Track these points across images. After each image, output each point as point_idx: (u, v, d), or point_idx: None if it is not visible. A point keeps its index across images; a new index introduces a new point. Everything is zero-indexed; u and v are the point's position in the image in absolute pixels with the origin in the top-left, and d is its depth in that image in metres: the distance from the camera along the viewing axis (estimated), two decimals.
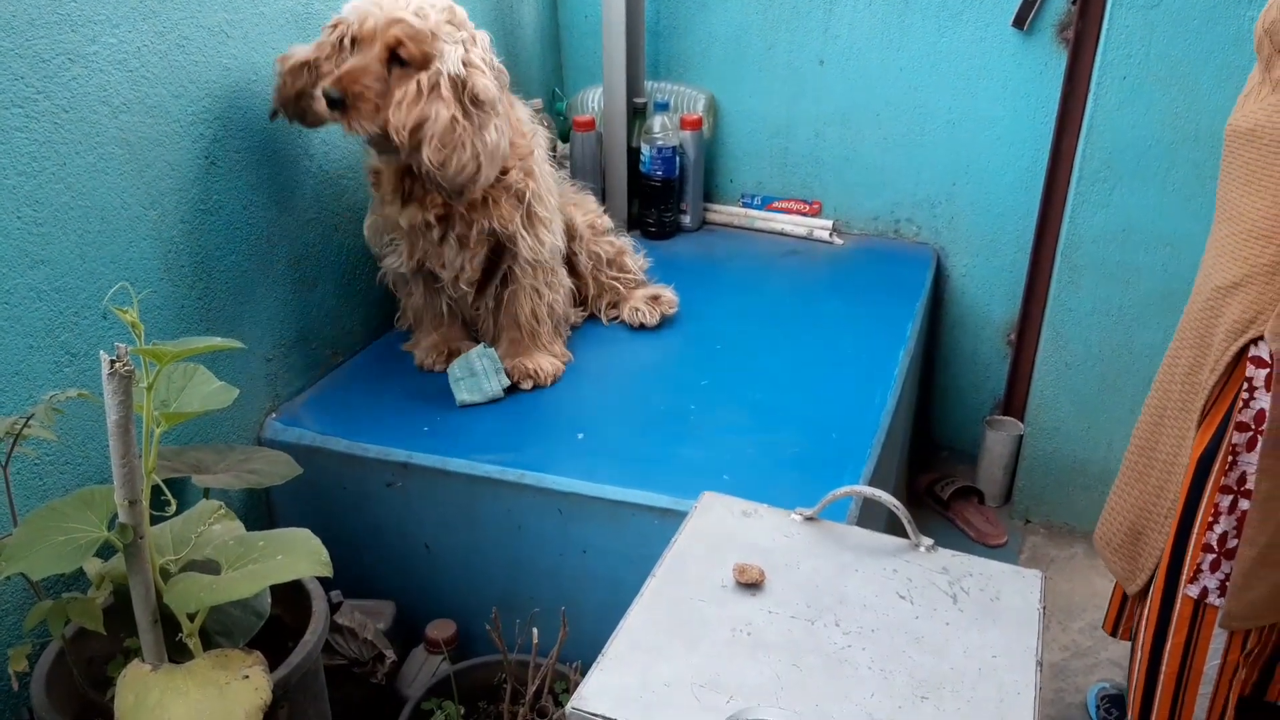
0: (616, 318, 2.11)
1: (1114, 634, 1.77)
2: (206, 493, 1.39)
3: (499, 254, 1.82)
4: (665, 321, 2.10)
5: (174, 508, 1.13)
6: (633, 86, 2.50)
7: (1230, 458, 1.45)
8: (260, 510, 1.76)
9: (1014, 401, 2.63)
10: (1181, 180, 2.14)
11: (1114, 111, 2.14)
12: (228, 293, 1.63)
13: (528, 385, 1.84)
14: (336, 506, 1.71)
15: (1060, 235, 2.33)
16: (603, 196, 2.58)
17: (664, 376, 1.92)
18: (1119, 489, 1.70)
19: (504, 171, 1.71)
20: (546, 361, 1.87)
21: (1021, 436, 2.55)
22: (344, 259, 1.92)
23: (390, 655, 1.61)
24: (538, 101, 2.50)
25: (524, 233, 1.77)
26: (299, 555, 1.12)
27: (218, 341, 1.07)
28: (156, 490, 1.12)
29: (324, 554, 1.12)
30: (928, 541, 1.34)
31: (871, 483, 1.66)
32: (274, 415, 1.75)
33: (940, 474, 2.70)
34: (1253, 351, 1.40)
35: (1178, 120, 2.11)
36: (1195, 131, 2.10)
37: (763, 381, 1.89)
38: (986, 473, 2.64)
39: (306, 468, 1.52)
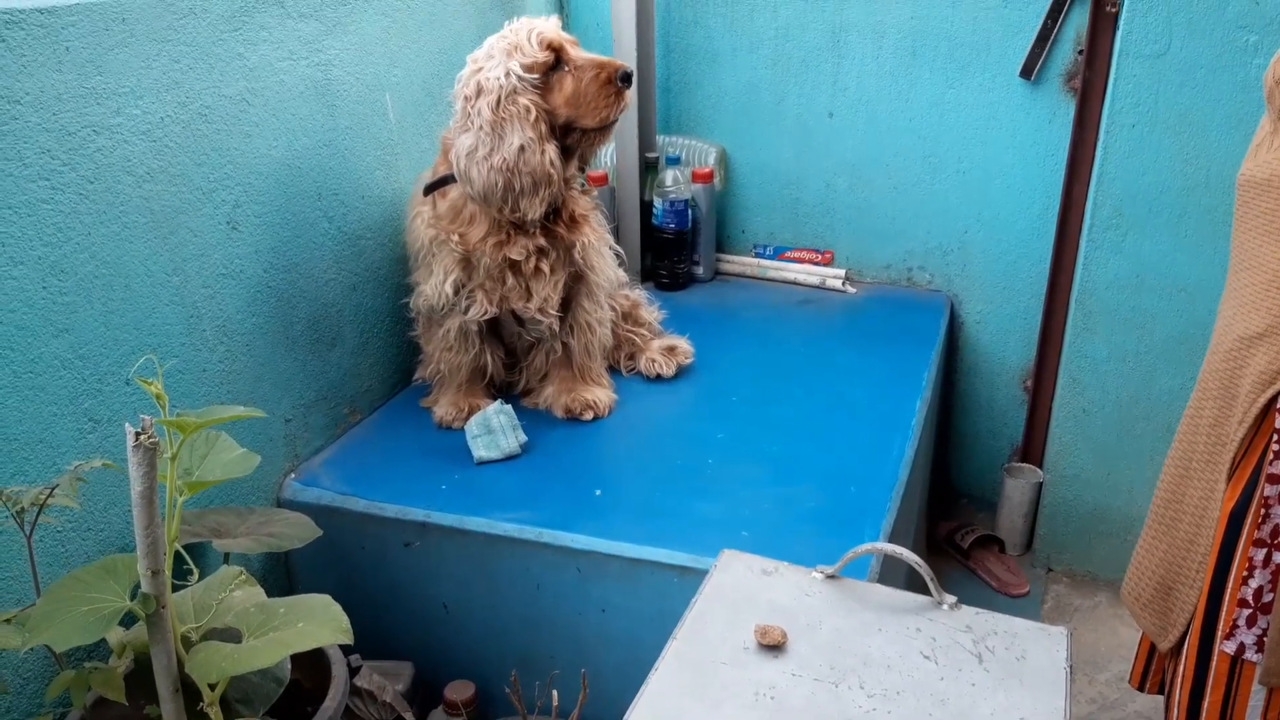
0: (634, 369, 2.12)
1: (1141, 688, 1.74)
2: (227, 557, 1.39)
3: (570, 287, 1.91)
4: (681, 372, 2.11)
5: (196, 576, 1.13)
6: (645, 142, 2.53)
7: (1263, 511, 1.43)
8: (279, 570, 1.76)
9: (1032, 448, 2.61)
10: (1194, 226, 2.15)
11: (1124, 159, 2.15)
12: (248, 355, 1.65)
13: (589, 416, 1.92)
14: (355, 566, 1.71)
15: (1074, 281, 2.33)
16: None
17: (681, 429, 1.92)
18: (1145, 543, 1.68)
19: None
20: (602, 394, 1.95)
21: (1041, 484, 2.53)
22: (362, 317, 1.94)
23: (409, 718, 1.59)
24: None
25: (598, 257, 1.89)
26: (320, 622, 1.12)
27: (240, 410, 1.08)
28: (178, 557, 1.12)
29: (344, 621, 1.12)
30: (951, 599, 1.33)
31: (892, 534, 1.65)
32: (293, 475, 1.75)
33: (960, 522, 2.68)
34: None
35: (1188, 167, 2.12)
36: (1206, 178, 2.10)
37: (779, 433, 1.88)
38: (1007, 521, 2.61)
39: (325, 528, 1.53)
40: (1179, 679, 1.58)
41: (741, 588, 1.34)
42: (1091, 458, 2.42)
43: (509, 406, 1.81)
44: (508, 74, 1.66)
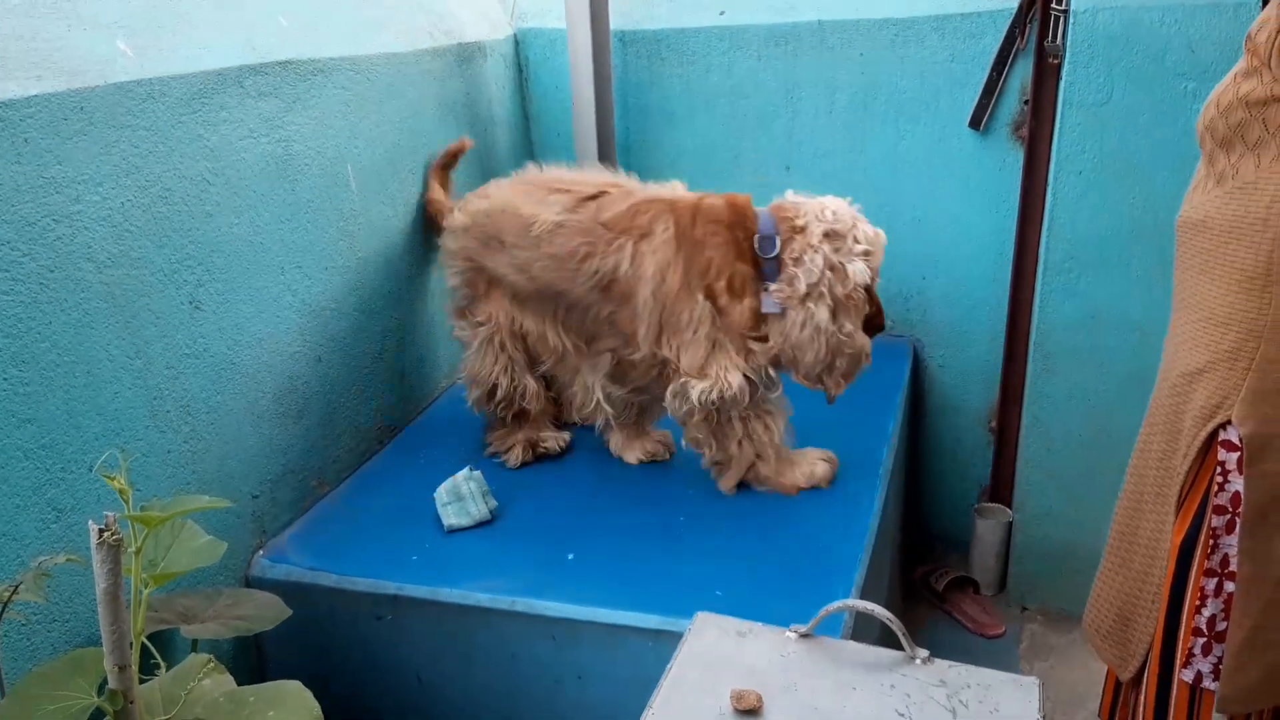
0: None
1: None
2: (195, 643, 1.37)
3: None
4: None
5: (164, 668, 1.12)
6: None
7: (1211, 541, 1.46)
8: (250, 649, 1.73)
9: (1000, 488, 2.64)
10: (1144, 267, 2.20)
11: (1073, 204, 2.21)
12: (213, 434, 1.64)
13: (667, 456, 2.05)
14: (327, 642, 1.69)
15: (1031, 323, 2.38)
16: None
17: (650, 487, 1.93)
18: (1104, 576, 1.71)
19: None
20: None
21: (1011, 523, 2.56)
22: (328, 388, 1.94)
23: None
24: None
25: None
26: (291, 710, 1.11)
27: (205, 501, 1.08)
28: (146, 648, 1.11)
29: (316, 708, 1.11)
30: (923, 653, 1.34)
31: (865, 585, 1.66)
32: (262, 553, 1.74)
33: (934, 565, 2.69)
34: (1222, 436, 1.43)
35: (1135, 211, 2.18)
36: (1154, 221, 2.16)
37: (749, 490, 1.89)
38: (979, 561, 2.63)
39: (296, 604, 1.51)
40: (1141, 709, 1.60)
41: (716, 651, 1.34)
42: (1058, 495, 2.46)
43: (479, 473, 1.81)
44: (861, 273, 1.75)
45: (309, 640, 1.69)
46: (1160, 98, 2.09)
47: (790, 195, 1.84)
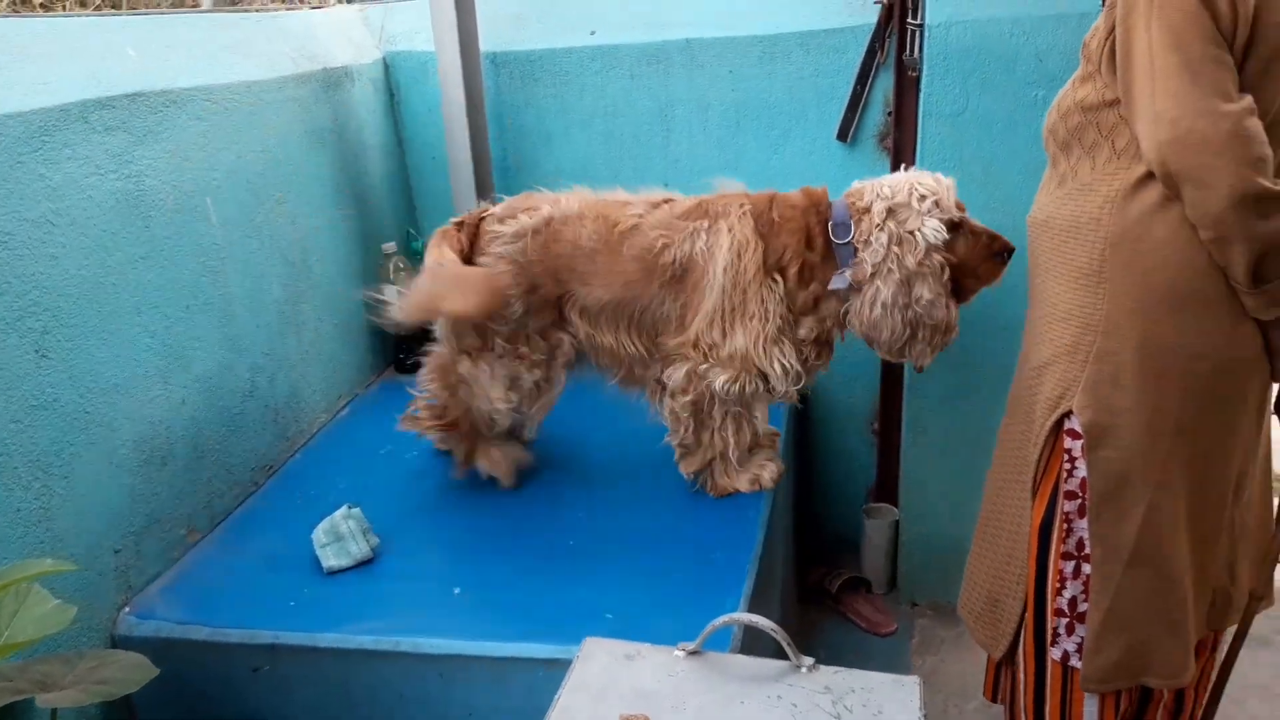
0: None
1: (993, 699, 1.82)
2: (54, 713, 1.29)
3: None
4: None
5: None
6: None
7: (1066, 526, 1.54)
8: (121, 711, 1.64)
9: (886, 488, 2.71)
10: (1008, 269, 2.29)
11: None
12: (67, 489, 1.55)
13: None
14: (202, 699, 1.61)
15: None
16: None
17: (540, 513, 1.91)
18: (973, 559, 1.77)
19: None
20: None
21: (898, 522, 2.63)
22: (194, 431, 1.85)
23: None
24: (390, 245, 2.51)
25: None
26: None
27: (46, 565, 1.02)
28: None
29: None
30: (808, 661, 1.35)
31: (756, 594, 1.67)
32: (128, 609, 1.65)
33: (827, 567, 2.74)
34: (1068, 424, 1.50)
35: (996, 214, 2.24)
36: (1013, 223, 2.22)
37: (638, 506, 1.90)
38: (870, 561, 2.69)
39: (167, 662, 1.44)
40: (1020, 687, 1.66)
41: (605, 676, 1.33)
42: (939, 492, 2.53)
43: (358, 510, 1.75)
44: (934, 231, 1.73)
45: (184, 698, 1.61)
46: (1012, 106, 2.18)
47: (857, 183, 1.85)
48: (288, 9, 2.66)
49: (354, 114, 2.45)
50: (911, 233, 1.74)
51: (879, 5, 2.29)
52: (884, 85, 2.38)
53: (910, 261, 1.73)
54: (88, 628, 1.58)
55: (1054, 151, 1.57)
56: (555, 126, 2.60)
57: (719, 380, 1.78)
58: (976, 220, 1.85)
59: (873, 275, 1.75)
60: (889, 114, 2.39)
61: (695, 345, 1.80)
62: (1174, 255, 1.37)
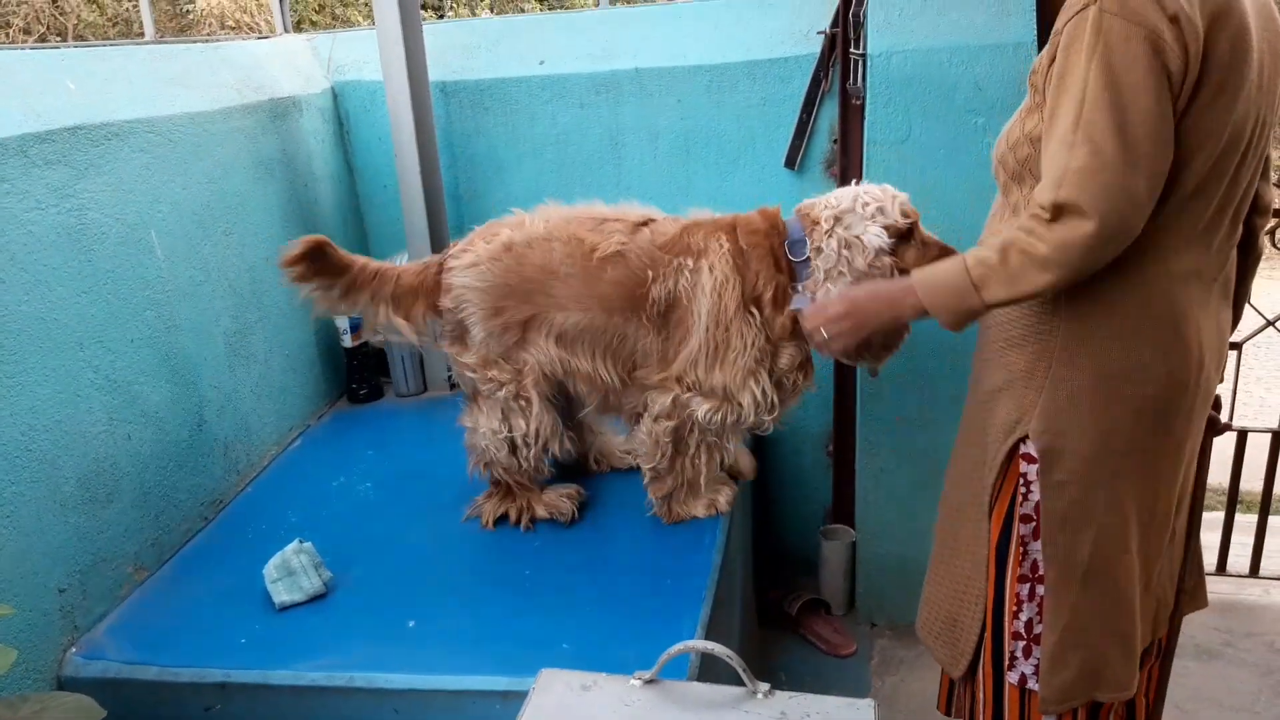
0: None
1: (947, 713, 1.83)
2: None
3: None
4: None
5: None
6: (438, 250, 2.53)
7: (1021, 549, 1.56)
8: None
9: (842, 510, 2.73)
10: None
11: None
12: (10, 527, 1.51)
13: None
14: None
15: None
16: (419, 361, 2.58)
17: (495, 543, 1.90)
18: (931, 581, 1.79)
19: None
20: None
21: (854, 543, 2.65)
22: (141, 466, 1.82)
23: None
24: None
25: None
26: None
27: None
28: None
29: None
30: (764, 687, 1.35)
31: (713, 620, 1.68)
32: (74, 650, 1.61)
33: (786, 589, 2.75)
34: (1023, 449, 1.53)
35: (941, 238, 2.30)
36: (961, 247, 2.27)
37: (594, 535, 1.89)
38: (828, 582, 2.71)
39: (115, 703, 1.40)
40: (979, 707, 1.68)
41: (561, 707, 1.32)
42: (895, 513, 2.55)
43: (309, 544, 1.73)
44: (877, 235, 1.75)
45: None
46: (954, 133, 2.23)
47: (806, 200, 1.87)
48: (236, 39, 2.65)
49: (303, 144, 2.44)
50: (858, 237, 1.77)
51: (822, 35, 2.34)
52: (829, 113, 2.42)
53: (860, 263, 1.75)
54: (32, 669, 1.54)
55: (1005, 181, 1.59)
56: (507, 155, 2.61)
57: (702, 409, 1.81)
58: (931, 233, 1.87)
59: (824, 279, 1.77)
60: (834, 141, 2.43)
61: (679, 380, 1.83)
62: (1124, 280, 1.40)
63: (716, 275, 1.80)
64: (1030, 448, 1.51)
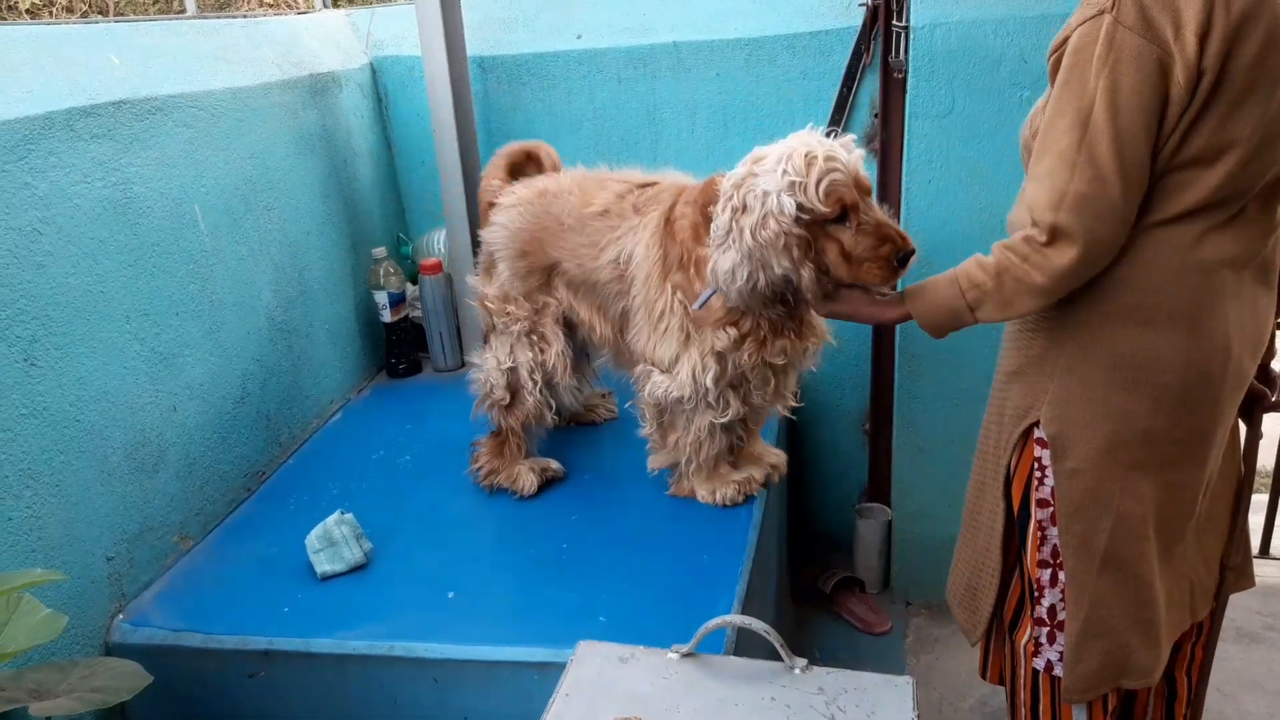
0: None
1: (984, 678, 1.82)
2: None
3: None
4: None
5: None
6: (475, 226, 2.54)
7: (1040, 534, 1.54)
8: (116, 718, 1.64)
9: (878, 488, 2.71)
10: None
11: (925, 211, 2.30)
12: (58, 497, 1.55)
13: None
14: (197, 706, 1.61)
15: (896, 329, 2.45)
16: (457, 335, 2.59)
17: (532, 516, 1.91)
18: (958, 549, 1.79)
19: None
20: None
21: (890, 522, 2.63)
22: (186, 438, 1.85)
23: None
24: (380, 249, 2.51)
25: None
26: None
27: (36, 575, 1.01)
28: None
29: None
30: (801, 662, 1.36)
31: (749, 596, 1.68)
32: (121, 616, 1.65)
33: (821, 567, 2.75)
34: (1036, 434, 1.51)
35: (983, 214, 2.27)
36: (1000, 224, 2.23)
37: (631, 509, 1.90)
38: (863, 561, 2.70)
39: (161, 669, 1.44)
40: (1020, 683, 1.67)
41: (599, 679, 1.34)
42: (932, 492, 2.54)
43: (350, 515, 1.75)
44: (783, 209, 1.51)
45: (179, 705, 1.61)
46: (998, 106, 2.19)
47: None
48: (274, 14, 2.66)
49: (342, 119, 2.45)
50: (752, 202, 1.55)
51: (864, 8, 2.30)
52: (870, 87, 2.39)
53: (764, 234, 1.52)
54: (82, 635, 1.58)
55: (1029, 163, 1.57)
56: (544, 130, 2.60)
57: (660, 387, 1.76)
58: (883, 213, 1.61)
59: (718, 247, 1.59)
60: (875, 116, 2.40)
61: (642, 352, 1.82)
62: (1140, 269, 1.38)
63: (647, 245, 1.76)
64: (1042, 432, 1.49)
